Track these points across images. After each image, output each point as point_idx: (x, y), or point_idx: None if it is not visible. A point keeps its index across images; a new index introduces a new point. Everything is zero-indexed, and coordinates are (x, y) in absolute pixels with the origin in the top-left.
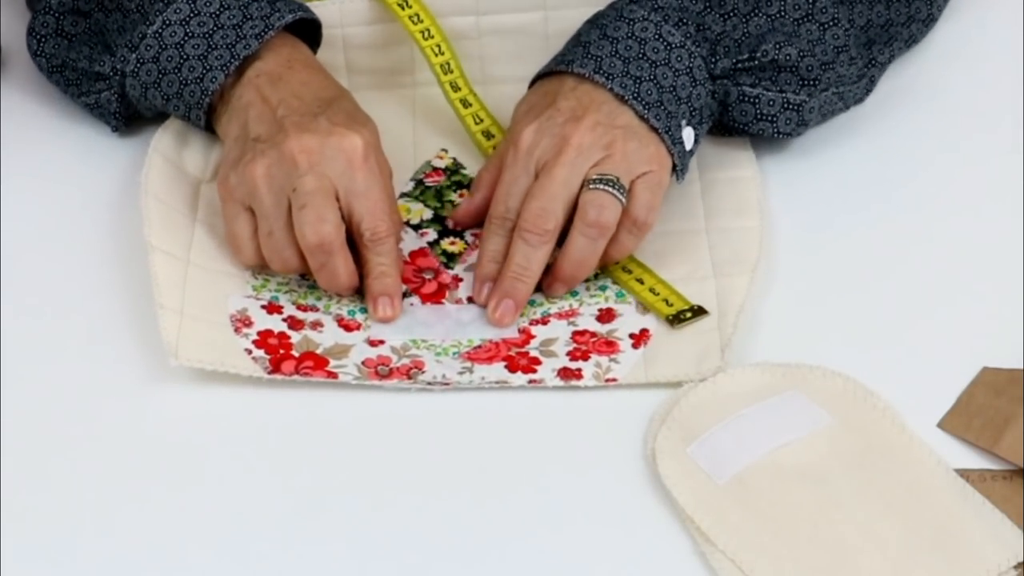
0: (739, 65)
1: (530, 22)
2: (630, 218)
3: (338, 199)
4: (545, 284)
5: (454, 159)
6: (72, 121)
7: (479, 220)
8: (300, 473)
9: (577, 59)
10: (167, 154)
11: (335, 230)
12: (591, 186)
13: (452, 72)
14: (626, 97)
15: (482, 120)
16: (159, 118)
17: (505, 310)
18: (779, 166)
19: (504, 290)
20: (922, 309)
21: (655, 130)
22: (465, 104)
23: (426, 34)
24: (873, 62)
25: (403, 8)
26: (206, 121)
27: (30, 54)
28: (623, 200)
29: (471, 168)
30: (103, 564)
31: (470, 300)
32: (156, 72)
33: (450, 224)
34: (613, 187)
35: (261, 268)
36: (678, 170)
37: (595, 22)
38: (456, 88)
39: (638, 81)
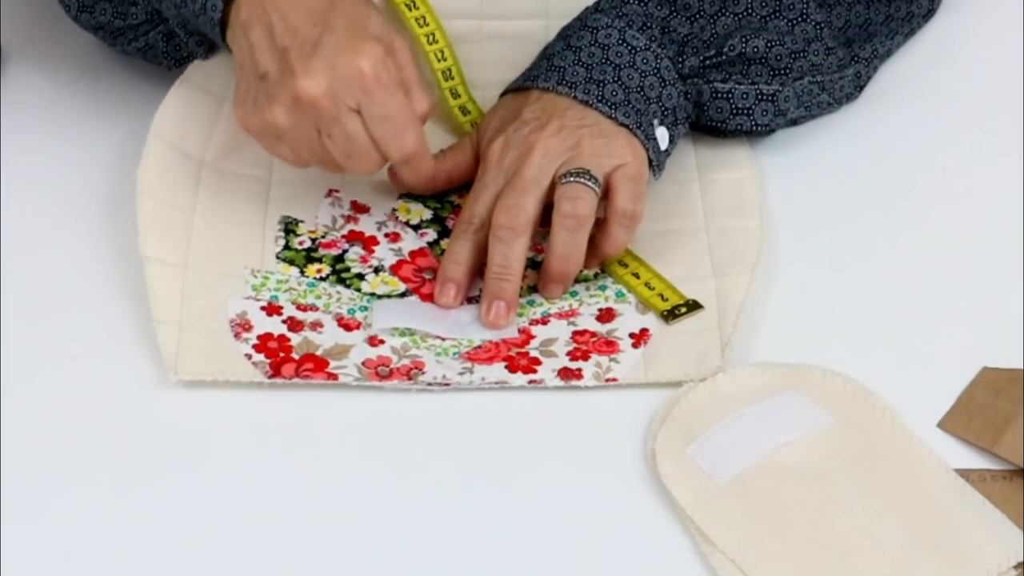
0: (707, 62)
1: (532, 29)
2: (618, 210)
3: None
4: (540, 287)
5: None
6: (72, 121)
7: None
8: (301, 474)
9: (541, 73)
10: (167, 138)
11: (383, 161)
12: (563, 181)
13: (453, 79)
14: (590, 101)
15: None
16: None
17: (498, 312)
18: (779, 166)
19: (492, 293)
20: (922, 309)
21: (625, 126)
22: (464, 111)
23: (431, 38)
24: (856, 57)
25: (410, 9)
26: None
27: (72, 19)
28: (598, 191)
29: None
30: (104, 565)
31: (470, 300)
32: (173, 8)
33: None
34: (585, 178)
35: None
36: (654, 166)
37: (561, 34)
38: (456, 95)
39: (601, 85)
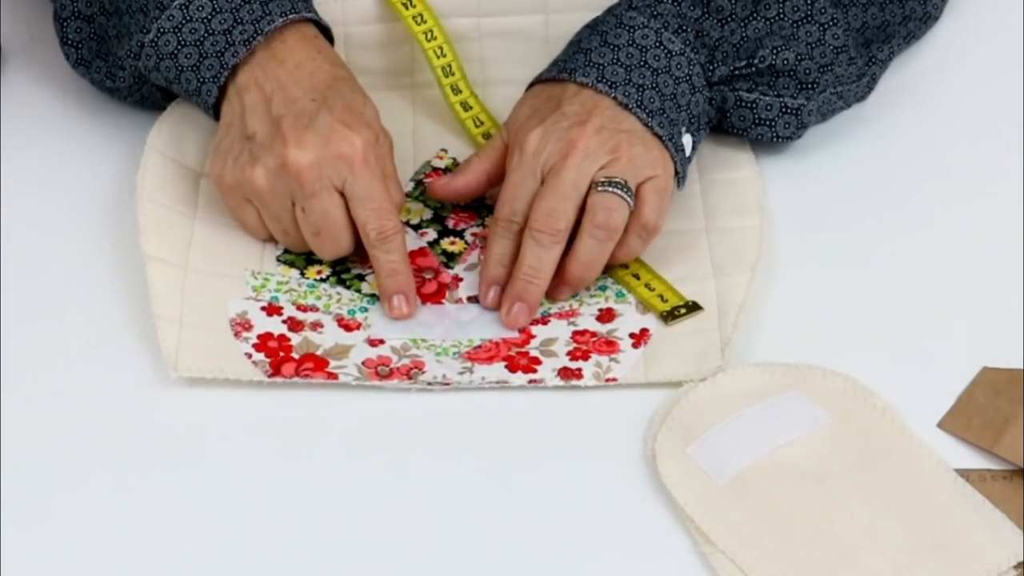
0: (737, 72)
1: (531, 25)
2: (640, 222)
3: (343, 196)
4: (550, 288)
5: (454, 159)
6: (72, 121)
7: (454, 200)
8: (301, 473)
9: (579, 67)
10: (164, 150)
11: (350, 246)
12: (599, 188)
13: (453, 75)
14: (630, 105)
15: (482, 123)
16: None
17: (519, 313)
18: (779, 166)
19: (516, 293)
20: (922, 309)
21: (658, 137)
22: (465, 107)
23: (429, 35)
24: (873, 60)
25: (407, 8)
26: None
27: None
28: (631, 203)
29: None
30: (104, 564)
31: (470, 300)
32: (162, 80)
33: (429, 191)
34: (621, 189)
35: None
36: (679, 176)
37: (595, 28)
38: (457, 91)
39: (641, 89)
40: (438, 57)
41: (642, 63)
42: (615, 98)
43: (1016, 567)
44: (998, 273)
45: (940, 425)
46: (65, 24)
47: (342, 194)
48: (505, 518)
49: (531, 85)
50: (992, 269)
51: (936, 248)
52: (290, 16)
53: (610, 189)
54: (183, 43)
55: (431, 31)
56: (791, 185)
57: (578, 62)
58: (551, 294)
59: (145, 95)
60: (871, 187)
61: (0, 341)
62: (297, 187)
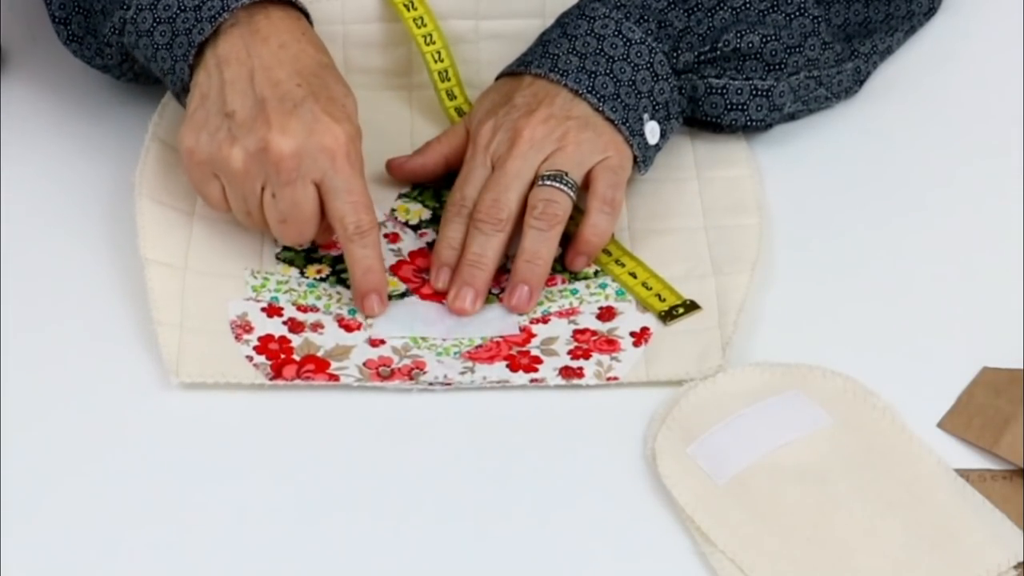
0: (702, 57)
1: (529, 29)
2: (597, 197)
3: (318, 190)
4: (507, 291)
5: None
6: (72, 120)
7: (409, 179)
8: (303, 475)
9: (535, 59)
10: (165, 137)
11: (311, 238)
12: (540, 183)
13: (449, 80)
14: (580, 91)
15: None
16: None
17: (464, 296)
18: (778, 164)
19: (463, 279)
20: (922, 309)
21: (611, 121)
22: (460, 112)
23: (428, 39)
24: (855, 52)
25: (408, 10)
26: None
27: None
28: (572, 195)
29: None
30: (104, 566)
31: None
32: (143, 58)
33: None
34: (560, 181)
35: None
36: (639, 162)
37: (559, 21)
38: (452, 96)
39: (593, 75)
40: (435, 61)
41: (598, 51)
42: (566, 85)
43: (1016, 567)
44: (998, 273)
45: (940, 425)
46: (51, 2)
47: (317, 187)
48: (505, 518)
49: (496, 79)
50: (992, 269)
51: (936, 248)
52: None
53: (549, 183)
54: (157, 20)
55: (430, 35)
56: (790, 183)
57: (535, 54)
58: (507, 298)
59: (137, 72)
60: (871, 186)
61: (0, 345)
62: (274, 173)
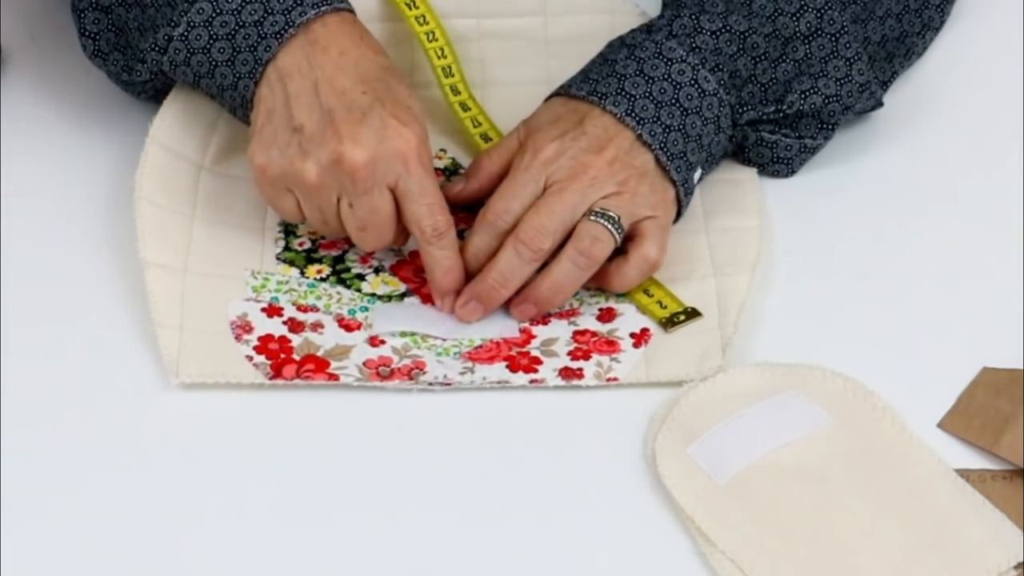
0: (764, 117)
1: (530, 27)
2: (642, 255)
3: (393, 194)
4: (514, 303)
5: (453, 159)
6: (72, 121)
7: (467, 203)
8: (302, 475)
9: (611, 94)
10: (165, 142)
11: (392, 242)
12: (591, 217)
13: (453, 76)
14: (652, 145)
15: (480, 124)
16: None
17: (473, 310)
18: None
19: (477, 292)
20: (922, 309)
21: (672, 182)
22: (464, 108)
23: (431, 36)
24: (895, 75)
25: (410, 8)
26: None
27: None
28: (618, 238)
29: None
30: (104, 566)
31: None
32: (191, 76)
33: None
34: (612, 224)
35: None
36: (680, 214)
37: (632, 52)
38: (456, 92)
39: (667, 130)
40: (439, 58)
41: (674, 101)
42: (640, 136)
43: (1016, 567)
44: (998, 273)
45: (940, 425)
46: (83, 15)
47: (392, 191)
48: (505, 518)
49: (557, 93)
50: (992, 269)
51: (936, 248)
52: (322, 8)
53: (601, 221)
54: (215, 37)
55: (432, 32)
56: (790, 185)
57: (610, 87)
58: (512, 310)
59: (159, 88)
60: (870, 187)
61: (0, 346)
62: (350, 184)
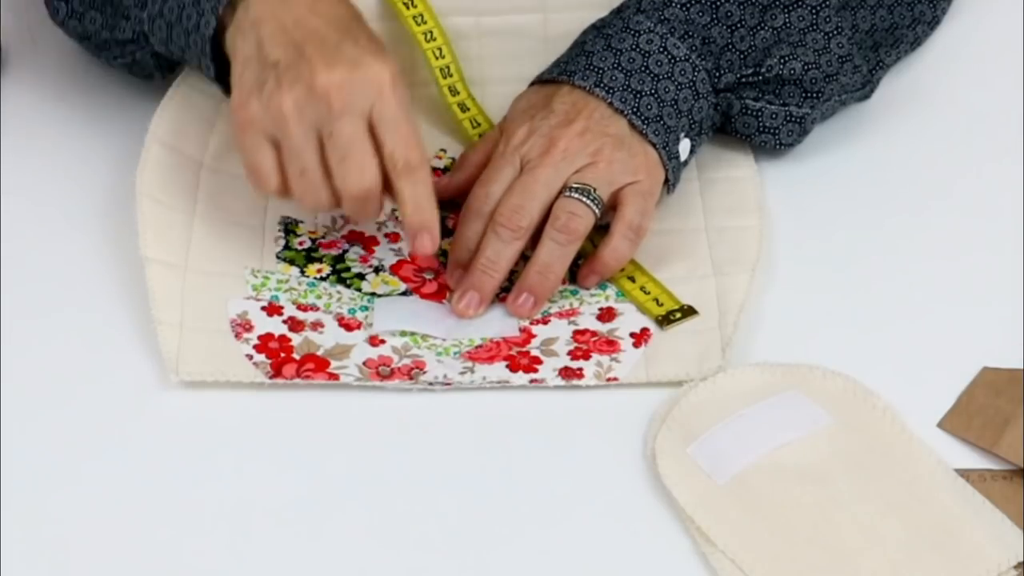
0: (743, 80)
1: (530, 24)
2: (624, 222)
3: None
4: (511, 298)
5: (452, 159)
6: (72, 121)
7: (455, 196)
8: (302, 474)
9: (579, 70)
10: (165, 139)
11: (377, 179)
12: (566, 194)
13: (451, 76)
14: (625, 111)
15: (479, 124)
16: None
17: (469, 302)
18: (777, 165)
19: (471, 282)
20: (922, 309)
21: (652, 144)
22: (463, 108)
23: (428, 36)
24: (880, 64)
25: (408, 8)
26: (216, 70)
27: (58, 25)
28: (597, 211)
29: None
30: (104, 565)
31: None
32: (165, 27)
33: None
34: (588, 196)
35: (283, 197)
36: (670, 183)
37: (600, 31)
38: (455, 92)
39: (638, 95)
40: (437, 58)
41: (643, 68)
42: (611, 104)
43: (1016, 567)
44: (998, 273)
45: (940, 425)
46: None
47: (368, 123)
48: (505, 518)
49: (532, 83)
50: (992, 269)
51: (936, 248)
52: None
53: (576, 195)
54: None
55: (431, 32)
56: (790, 184)
57: (579, 64)
58: (511, 306)
59: (138, 59)
60: (870, 186)
61: (0, 343)
62: (326, 109)
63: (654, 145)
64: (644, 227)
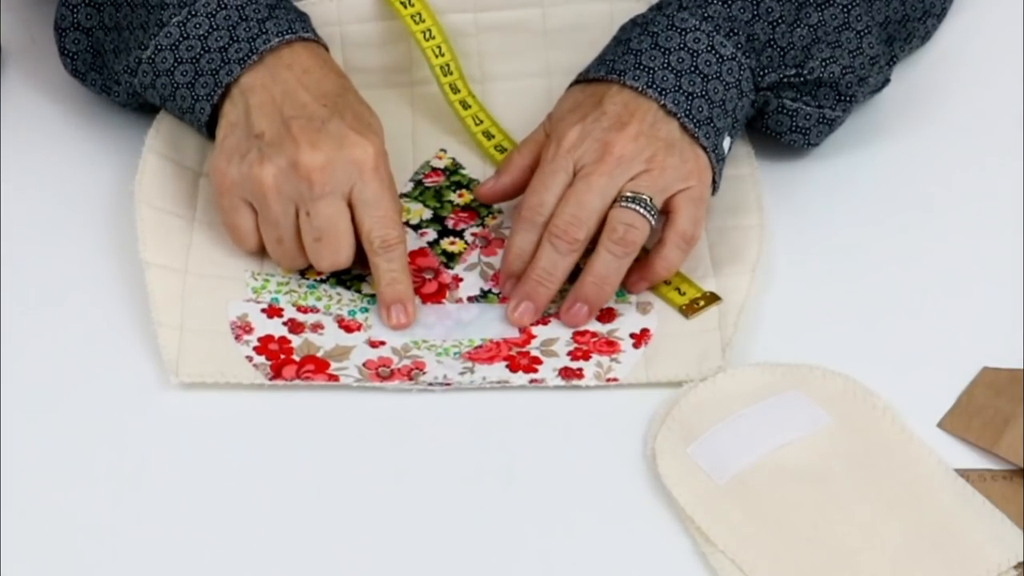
0: (785, 80)
1: (528, 18)
2: (676, 232)
3: (349, 205)
4: (565, 308)
5: (453, 159)
6: (72, 121)
7: (502, 201)
8: (302, 475)
9: (629, 69)
10: (162, 151)
11: (349, 257)
12: (622, 203)
13: (452, 74)
14: (678, 114)
15: (482, 121)
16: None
17: (524, 312)
18: (777, 165)
19: (525, 292)
20: (922, 309)
21: (703, 147)
22: (465, 106)
23: (427, 34)
24: (893, 60)
25: (405, 7)
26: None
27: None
28: (653, 221)
29: (470, 168)
30: (104, 566)
31: (471, 299)
32: (158, 99)
33: (475, 197)
34: (644, 207)
35: (262, 258)
36: (716, 185)
37: (645, 28)
38: (456, 90)
39: (690, 97)
40: (436, 56)
41: (693, 68)
42: (664, 105)
43: (1016, 567)
44: (998, 273)
45: (940, 425)
46: (64, 34)
47: (348, 203)
48: (505, 518)
49: (577, 81)
50: (992, 269)
51: (936, 248)
52: (286, 36)
53: (632, 205)
54: (179, 60)
55: (429, 30)
56: (790, 184)
57: (627, 63)
58: (565, 317)
59: (142, 104)
60: (871, 186)
61: (0, 346)
62: (306, 188)
63: (704, 148)
64: (696, 236)
